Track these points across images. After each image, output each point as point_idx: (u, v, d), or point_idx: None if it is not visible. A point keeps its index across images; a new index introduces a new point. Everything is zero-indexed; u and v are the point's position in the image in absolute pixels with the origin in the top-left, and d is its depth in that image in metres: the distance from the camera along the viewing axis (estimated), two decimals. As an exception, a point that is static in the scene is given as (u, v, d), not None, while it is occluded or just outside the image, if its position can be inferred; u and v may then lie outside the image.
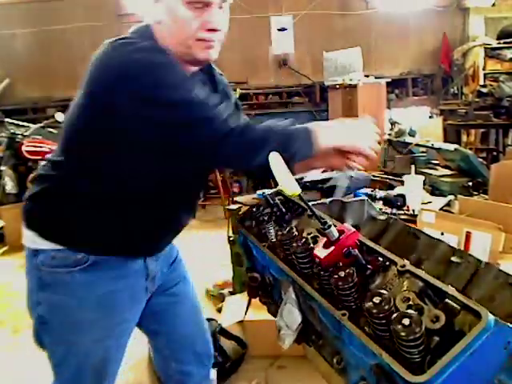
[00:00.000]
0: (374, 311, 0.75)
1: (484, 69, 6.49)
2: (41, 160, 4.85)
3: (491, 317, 0.69)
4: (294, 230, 1.05)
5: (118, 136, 1.17)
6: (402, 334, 0.69)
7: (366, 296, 0.78)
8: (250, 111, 6.91)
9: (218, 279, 3.37)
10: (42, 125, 5.23)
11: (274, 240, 1.12)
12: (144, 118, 1.12)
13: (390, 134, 4.67)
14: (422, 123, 5.58)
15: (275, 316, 1.13)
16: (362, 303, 0.78)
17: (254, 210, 1.27)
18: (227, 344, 2.49)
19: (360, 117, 1.28)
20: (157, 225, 1.31)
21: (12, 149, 4.94)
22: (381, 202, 3.10)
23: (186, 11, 1.15)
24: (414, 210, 2.95)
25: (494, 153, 5.52)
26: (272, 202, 1.21)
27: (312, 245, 0.97)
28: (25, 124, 5.33)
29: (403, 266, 0.85)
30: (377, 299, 0.75)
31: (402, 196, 3.09)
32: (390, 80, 6.04)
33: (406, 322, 0.69)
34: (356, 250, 0.89)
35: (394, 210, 3.00)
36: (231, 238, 2.89)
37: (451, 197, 3.20)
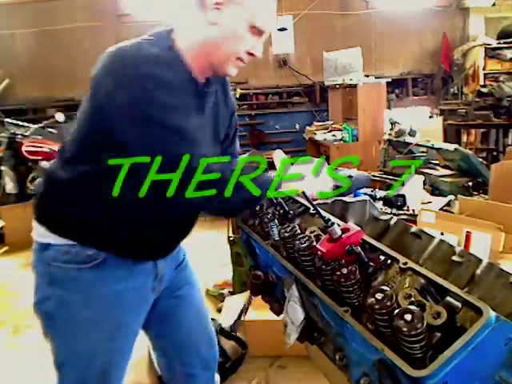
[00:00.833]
0: (377, 307, 0.76)
1: (484, 69, 6.49)
2: (41, 160, 4.86)
3: (492, 313, 0.70)
4: (297, 228, 1.06)
5: (119, 145, 1.14)
6: (404, 329, 0.70)
7: (368, 293, 0.79)
8: (250, 111, 6.93)
9: (218, 279, 3.37)
10: (41, 125, 5.23)
11: (277, 238, 1.13)
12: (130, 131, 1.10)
13: (390, 134, 4.67)
14: (422, 123, 5.58)
15: (277, 314, 1.13)
16: (365, 300, 0.79)
17: (257, 208, 1.28)
18: (227, 344, 2.49)
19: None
20: (166, 229, 1.31)
21: (12, 149, 4.94)
22: (381, 202, 3.11)
23: (247, 32, 1.18)
24: (414, 210, 2.96)
25: (494, 153, 5.53)
26: (275, 200, 1.22)
27: (315, 243, 0.98)
28: (25, 124, 5.33)
29: (405, 263, 0.86)
30: (379, 295, 0.76)
31: (402, 196, 3.09)
32: (390, 80, 6.04)
33: (408, 317, 0.70)
34: (358, 247, 0.90)
35: (394, 210, 3.01)
36: (231, 238, 2.90)
37: (451, 197, 3.21)
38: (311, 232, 1.04)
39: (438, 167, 4.15)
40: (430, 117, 6.49)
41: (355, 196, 2.92)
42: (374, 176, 3.91)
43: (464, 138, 6.25)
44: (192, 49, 1.20)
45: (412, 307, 0.73)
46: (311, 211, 1.18)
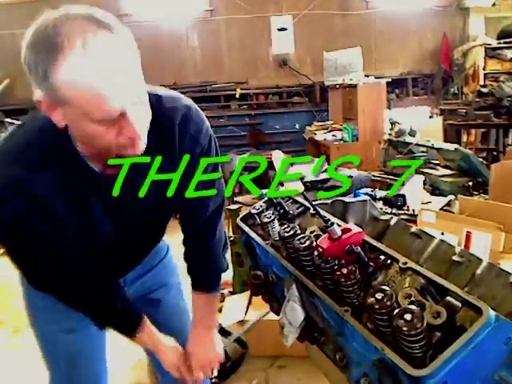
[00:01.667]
0: (377, 307, 0.76)
1: (484, 69, 6.49)
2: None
3: (492, 312, 0.70)
4: (297, 228, 1.06)
5: None
6: (404, 328, 0.70)
7: (368, 292, 0.79)
8: (250, 111, 6.93)
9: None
10: (42, 125, 5.23)
11: (277, 238, 1.13)
12: None
13: (390, 134, 4.68)
14: (422, 123, 5.59)
15: (278, 314, 1.13)
16: (365, 300, 0.79)
17: (257, 208, 1.28)
18: (227, 344, 2.49)
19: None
20: (116, 268, 1.33)
21: (12, 149, 4.94)
22: (381, 202, 3.12)
23: (98, 127, 0.94)
24: (414, 210, 2.96)
25: (494, 153, 5.53)
26: (275, 200, 1.22)
27: (315, 242, 0.98)
28: (25, 124, 5.33)
29: (405, 263, 0.86)
30: (379, 295, 0.76)
31: (402, 196, 3.10)
32: (390, 80, 6.04)
33: (408, 317, 0.70)
34: (358, 247, 0.90)
35: (394, 210, 3.01)
36: (231, 238, 2.90)
37: (451, 197, 3.21)
38: (311, 232, 1.04)
39: (438, 167, 4.16)
40: (430, 117, 6.50)
41: (355, 196, 2.93)
42: (374, 176, 3.91)
43: (464, 138, 6.25)
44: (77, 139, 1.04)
45: (412, 307, 0.73)
46: (311, 211, 1.18)
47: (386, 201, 3.10)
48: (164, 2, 6.66)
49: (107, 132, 0.94)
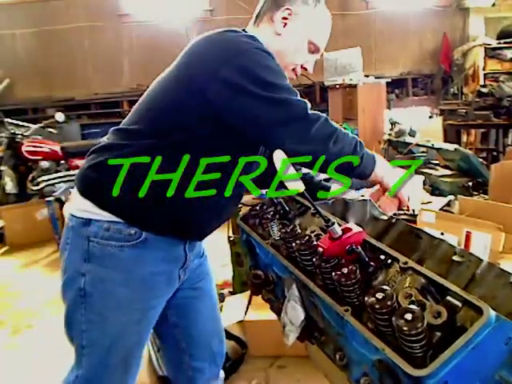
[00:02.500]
0: (377, 307, 0.76)
1: (484, 69, 6.50)
2: (41, 160, 4.86)
3: (492, 312, 0.70)
4: (298, 228, 1.06)
5: (202, 120, 1.20)
6: (405, 328, 0.70)
7: (368, 292, 0.79)
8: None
9: (218, 279, 3.37)
10: (41, 125, 5.23)
11: (277, 238, 1.13)
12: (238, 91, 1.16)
13: (390, 134, 4.68)
14: (421, 123, 5.59)
15: (278, 314, 1.13)
16: (365, 299, 0.79)
17: (258, 208, 1.28)
18: (227, 344, 2.49)
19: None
20: (211, 208, 1.30)
21: (12, 149, 4.94)
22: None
23: (304, 47, 1.37)
24: (414, 210, 2.96)
25: (494, 153, 5.53)
26: (275, 200, 1.22)
27: (315, 242, 0.98)
28: (25, 124, 5.33)
29: (405, 262, 0.86)
30: (379, 295, 0.76)
31: (402, 196, 3.09)
32: (390, 80, 6.04)
33: (409, 316, 0.70)
34: (359, 247, 0.90)
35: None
36: (231, 238, 2.90)
37: (451, 197, 3.21)
38: (311, 232, 1.04)
39: (438, 167, 4.16)
40: (430, 117, 6.50)
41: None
42: (374, 176, 3.90)
43: (464, 138, 6.25)
44: (268, 45, 1.29)
45: (412, 306, 0.73)
46: (312, 211, 1.19)
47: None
48: (164, 1, 6.66)
49: (304, 55, 1.40)
